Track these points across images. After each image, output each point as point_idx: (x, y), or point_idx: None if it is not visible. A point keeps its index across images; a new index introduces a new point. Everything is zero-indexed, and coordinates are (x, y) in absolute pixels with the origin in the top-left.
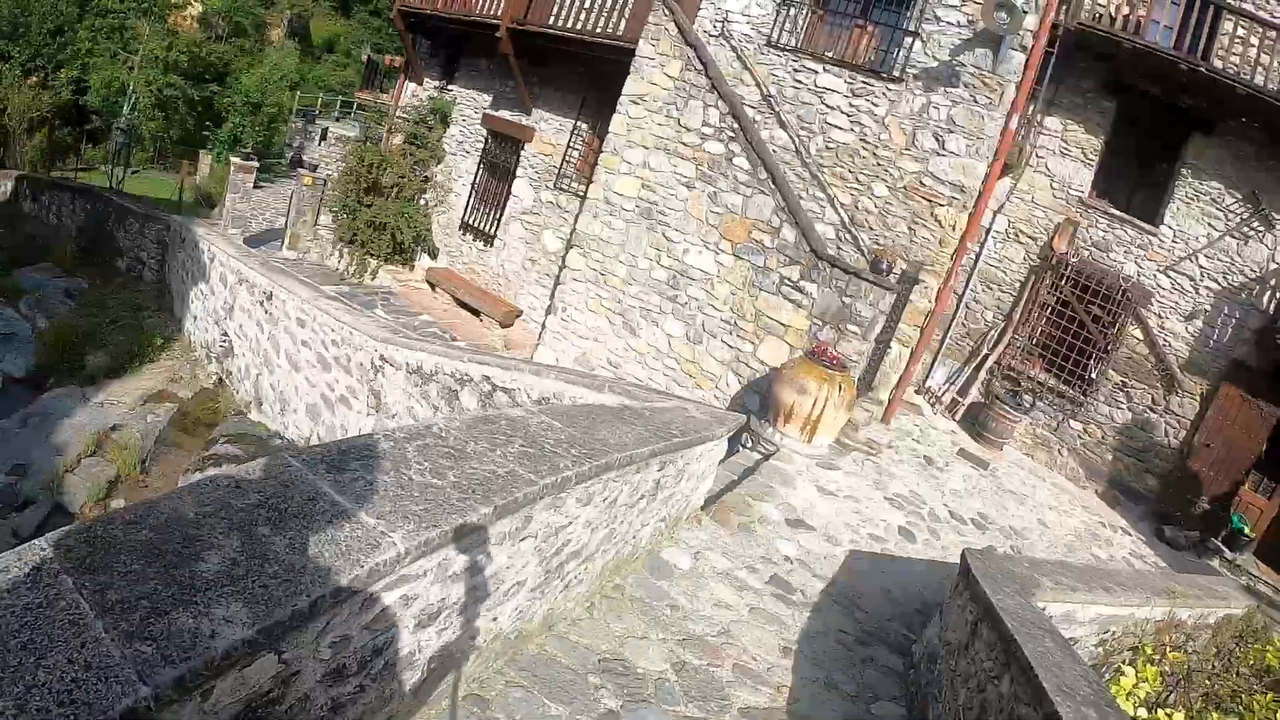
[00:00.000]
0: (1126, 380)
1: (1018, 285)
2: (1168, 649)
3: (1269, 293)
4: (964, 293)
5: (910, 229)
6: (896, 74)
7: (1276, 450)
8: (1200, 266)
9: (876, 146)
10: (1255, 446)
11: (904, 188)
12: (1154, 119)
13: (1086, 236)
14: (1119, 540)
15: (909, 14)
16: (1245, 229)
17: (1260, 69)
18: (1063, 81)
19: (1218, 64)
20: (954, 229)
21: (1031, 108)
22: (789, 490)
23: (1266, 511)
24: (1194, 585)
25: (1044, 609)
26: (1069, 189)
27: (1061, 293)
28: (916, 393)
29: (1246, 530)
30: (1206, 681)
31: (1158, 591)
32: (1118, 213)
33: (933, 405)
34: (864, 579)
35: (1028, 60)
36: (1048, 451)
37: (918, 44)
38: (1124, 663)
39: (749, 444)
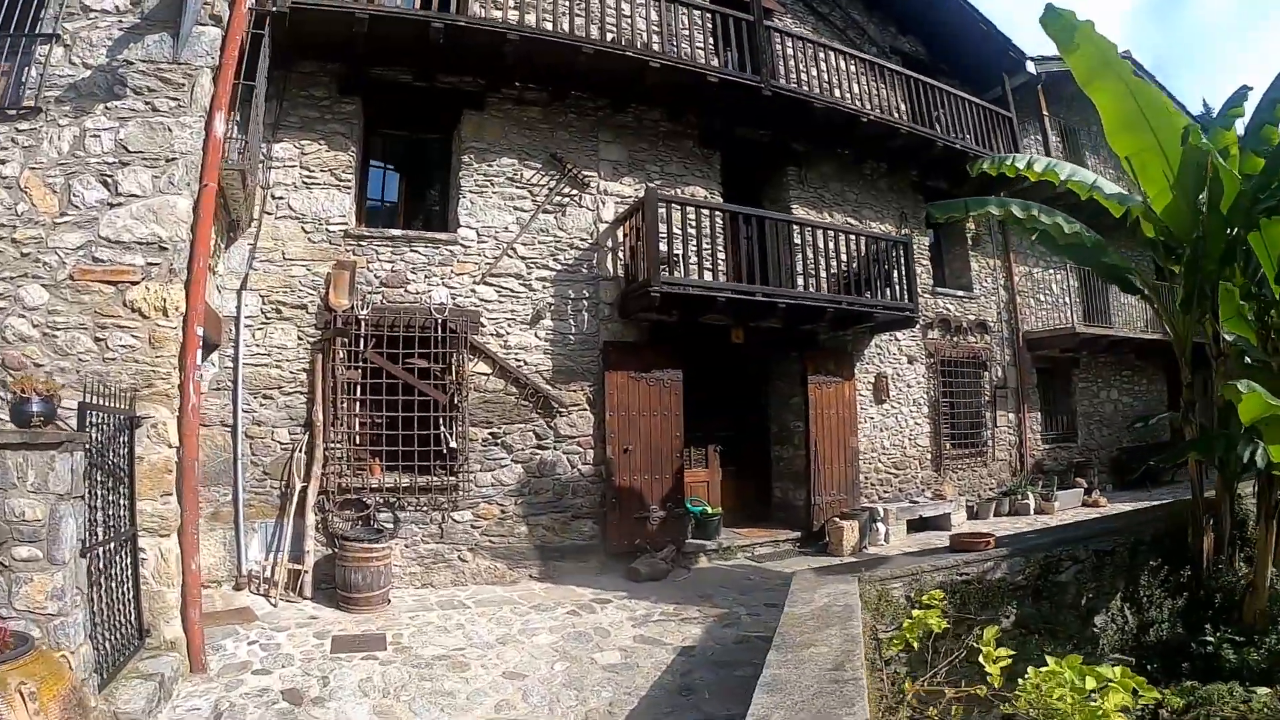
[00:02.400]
0: (496, 430)
1: (305, 376)
2: None
3: (610, 255)
4: (236, 418)
5: (98, 340)
6: (30, 104)
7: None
8: (523, 259)
9: (14, 226)
10: (677, 424)
11: (69, 277)
12: (414, 107)
13: (371, 277)
14: (606, 619)
15: (43, 13)
16: (558, 198)
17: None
18: (289, 95)
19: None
20: (166, 313)
21: (253, 137)
22: None
23: (713, 481)
24: None
25: None
26: (328, 226)
27: (365, 360)
28: (236, 589)
29: (708, 510)
30: None
31: None
32: (398, 233)
33: (267, 595)
34: None
35: (226, 34)
36: (448, 567)
37: (59, 51)
38: None
39: None
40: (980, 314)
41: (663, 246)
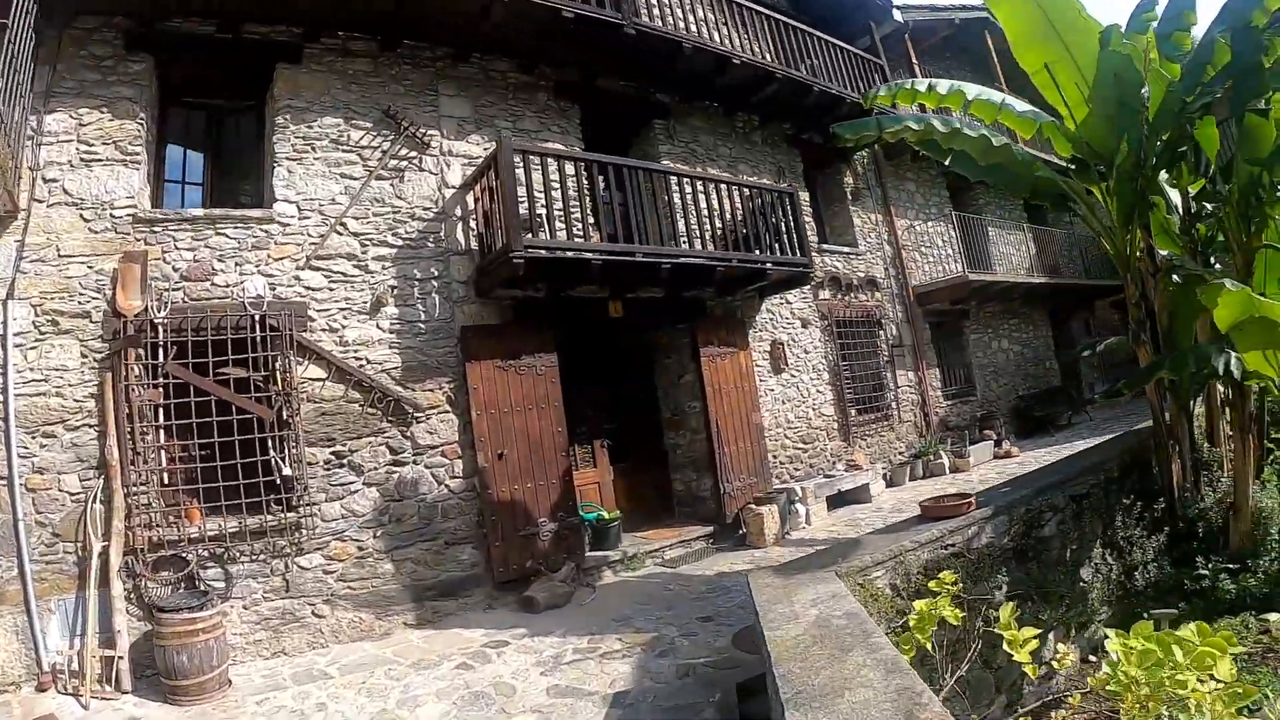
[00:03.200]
0: (340, 448)
1: (94, 404)
2: None
3: (460, 225)
4: (11, 467)
5: None
6: None
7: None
8: (355, 235)
9: None
10: (558, 418)
11: None
12: (220, 66)
13: (169, 270)
14: (507, 669)
15: None
16: (395, 161)
17: None
18: (65, 56)
19: None
20: None
21: (11, 106)
22: None
23: (605, 481)
24: None
25: None
26: (112, 211)
27: (168, 375)
28: (39, 690)
29: (605, 516)
30: None
31: None
32: (200, 213)
33: (77, 693)
34: None
35: None
36: (301, 627)
37: None
38: None
39: None
40: (868, 270)
41: (523, 209)
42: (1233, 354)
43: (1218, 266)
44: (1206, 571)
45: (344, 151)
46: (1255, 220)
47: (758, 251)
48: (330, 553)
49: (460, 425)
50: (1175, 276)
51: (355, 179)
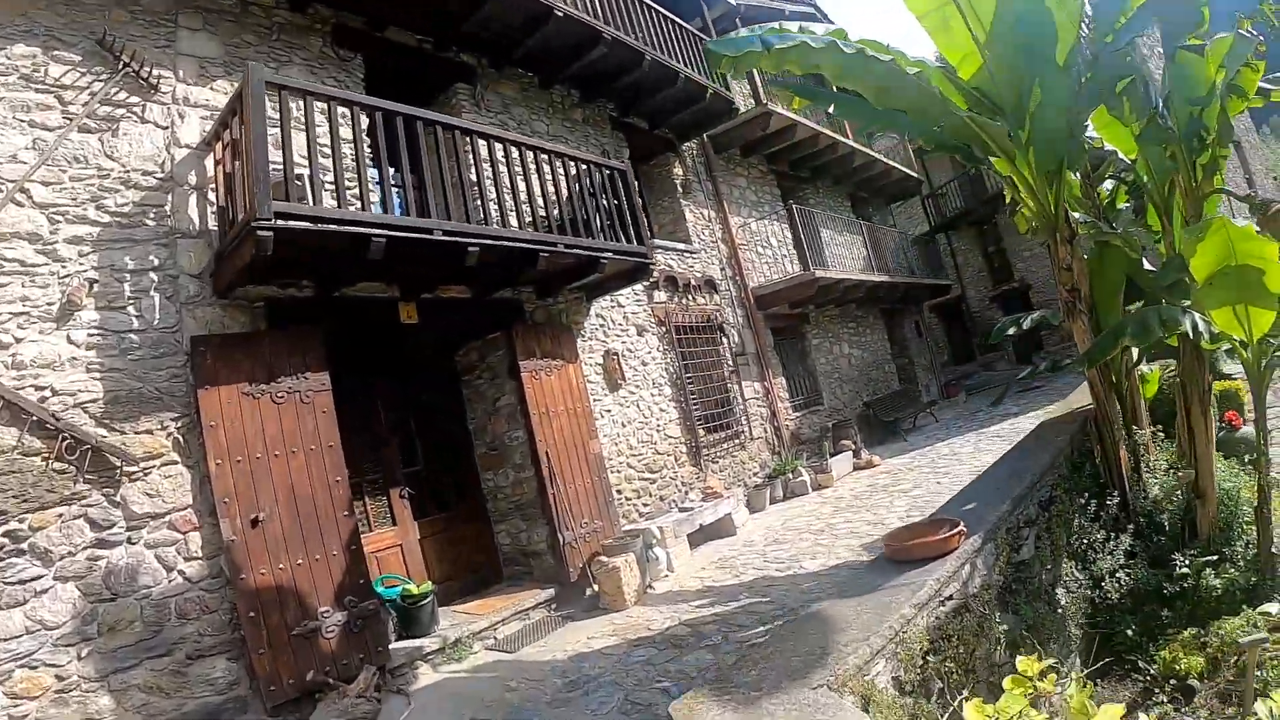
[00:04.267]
0: (13, 524)
1: None
2: None
3: (195, 197)
4: None
5: None
6: None
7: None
8: (42, 206)
9: None
10: (335, 463)
11: None
12: None
13: None
14: None
15: None
16: (108, 108)
17: None
18: None
19: None
20: None
21: None
22: None
23: (410, 542)
24: None
25: None
26: None
27: None
28: None
29: (412, 591)
30: None
31: None
32: None
33: None
34: None
35: None
36: None
37: None
38: None
39: None
40: (705, 270)
41: (277, 170)
42: (1197, 315)
43: (1121, 230)
44: (1189, 569)
45: (39, 91)
46: (1203, 164)
47: (590, 239)
48: (14, 687)
49: (195, 481)
50: (1093, 242)
51: (50, 129)
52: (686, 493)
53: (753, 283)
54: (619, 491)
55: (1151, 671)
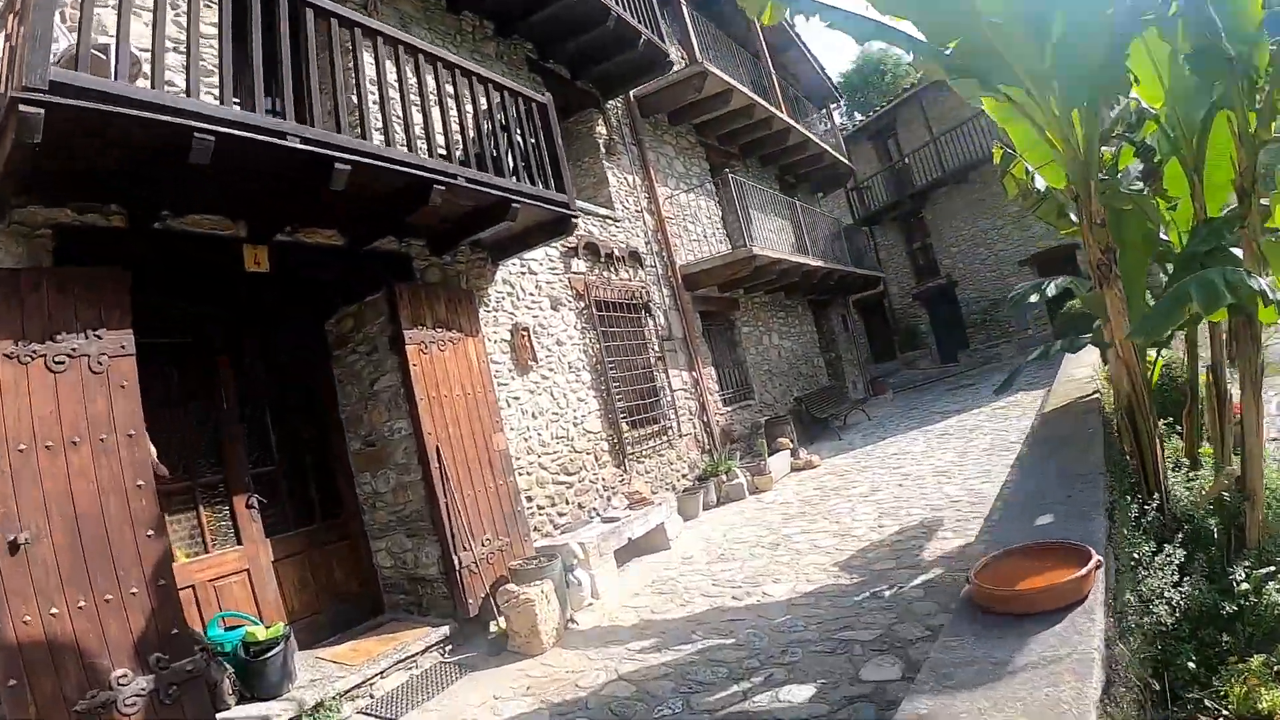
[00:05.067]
0: None
1: None
2: None
3: None
4: None
5: None
6: None
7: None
8: None
9: None
10: (136, 460)
11: None
12: None
13: None
14: None
15: None
16: None
17: None
18: None
19: None
20: None
21: None
22: None
23: (259, 567)
24: None
25: None
26: None
27: None
28: None
29: (257, 635)
30: None
31: None
32: None
33: None
34: None
35: None
36: None
37: None
38: None
39: None
40: (629, 241)
41: (70, 36)
42: (1263, 280)
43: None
44: (1249, 584)
45: None
46: (1258, 110)
47: (501, 178)
48: None
49: None
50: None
51: None
52: (609, 499)
53: (680, 260)
54: (529, 498)
55: (1225, 713)
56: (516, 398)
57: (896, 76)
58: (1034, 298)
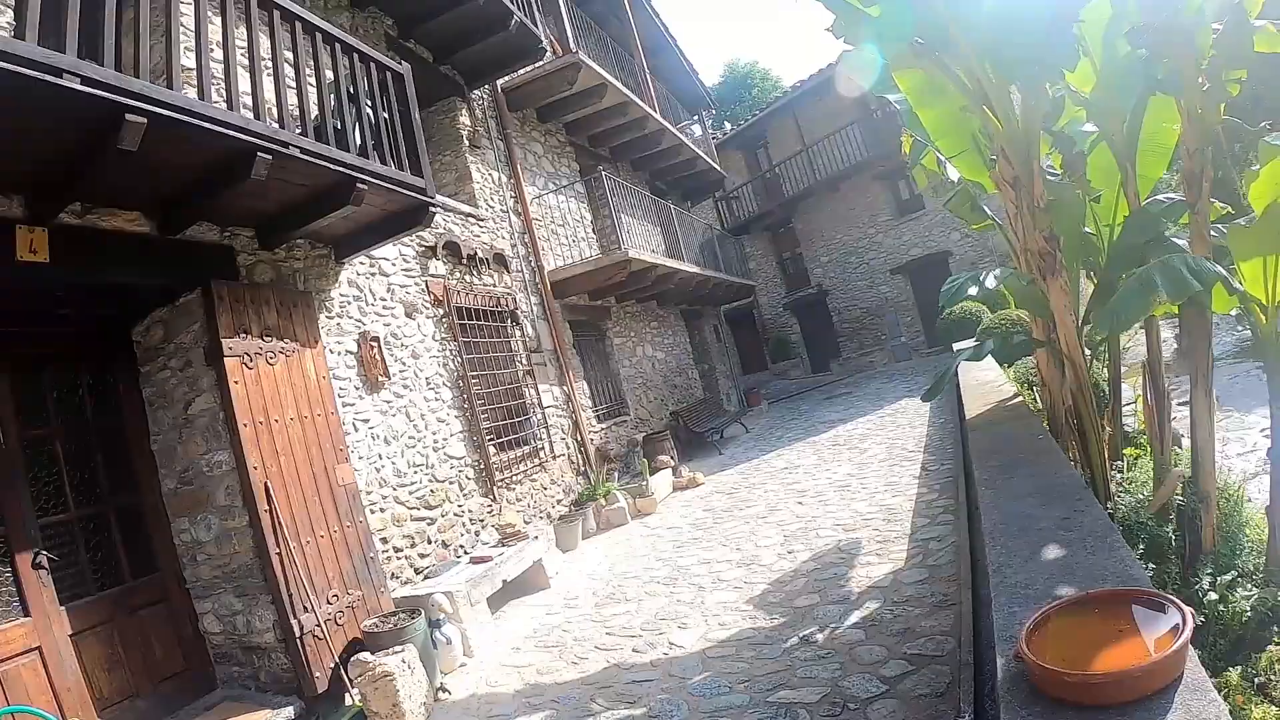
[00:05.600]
0: None
1: None
2: None
3: None
4: None
5: None
6: None
7: None
8: None
9: None
10: None
11: None
12: None
13: None
14: None
15: None
16: None
17: None
18: None
19: None
20: None
21: None
22: None
23: (52, 645)
24: None
25: None
26: None
27: None
28: None
29: None
30: None
31: None
32: None
33: None
34: None
35: None
36: None
37: None
38: None
39: None
40: (493, 243)
41: None
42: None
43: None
44: (1215, 590)
45: None
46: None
47: (344, 153)
48: None
49: None
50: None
51: None
52: (478, 534)
53: (549, 265)
54: (384, 540)
55: None
56: (365, 420)
57: (764, 91)
58: (973, 290)
